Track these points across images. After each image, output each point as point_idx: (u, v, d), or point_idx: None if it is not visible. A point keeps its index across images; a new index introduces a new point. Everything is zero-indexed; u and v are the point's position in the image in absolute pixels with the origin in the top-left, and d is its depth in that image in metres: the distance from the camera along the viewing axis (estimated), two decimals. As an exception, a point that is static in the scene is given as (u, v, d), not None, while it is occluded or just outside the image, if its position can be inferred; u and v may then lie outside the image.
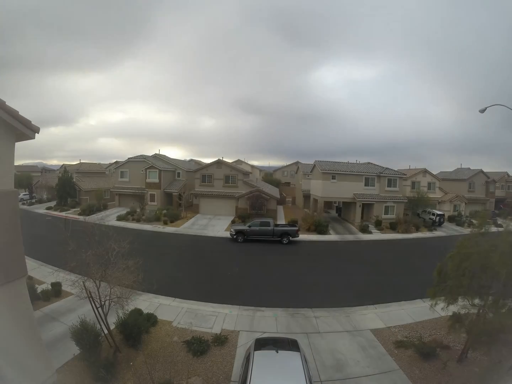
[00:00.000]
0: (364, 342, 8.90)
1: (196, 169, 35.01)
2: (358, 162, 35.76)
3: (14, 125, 5.14)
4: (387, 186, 30.13)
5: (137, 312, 9.33)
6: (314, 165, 33.06)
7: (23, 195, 41.58)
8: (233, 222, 27.20)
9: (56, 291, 11.29)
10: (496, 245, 6.76)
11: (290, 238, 21.42)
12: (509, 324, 6.41)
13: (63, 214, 30.52)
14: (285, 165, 63.33)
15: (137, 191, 33.91)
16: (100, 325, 7.72)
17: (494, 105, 12.15)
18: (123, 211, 30.68)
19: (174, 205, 32.96)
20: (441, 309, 8.14)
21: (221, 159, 34.11)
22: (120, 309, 7.81)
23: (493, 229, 7.84)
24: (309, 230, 25.13)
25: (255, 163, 68.81)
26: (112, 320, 8.25)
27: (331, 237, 24.32)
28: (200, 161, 52.27)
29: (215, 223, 27.48)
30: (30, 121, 5.36)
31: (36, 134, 5.63)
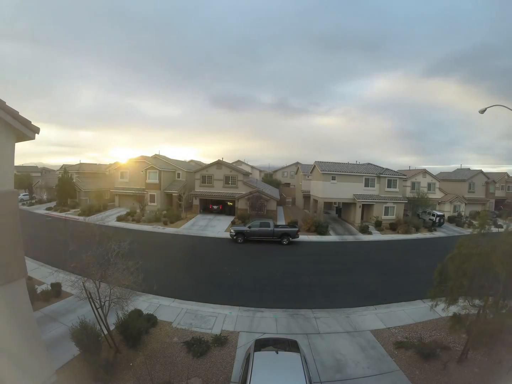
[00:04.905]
0: (364, 343, 8.89)
1: (196, 169, 35.03)
2: (358, 163, 35.79)
3: (14, 125, 5.14)
4: (387, 187, 30.15)
5: (137, 312, 9.34)
6: (314, 165, 33.07)
7: (23, 195, 41.59)
8: (233, 223, 27.18)
9: (56, 291, 11.28)
10: (496, 246, 6.76)
11: (290, 238, 21.40)
12: (509, 324, 6.41)
13: (63, 214, 30.52)
14: (285, 165, 63.35)
15: (137, 192, 33.91)
16: (100, 325, 7.71)
17: (494, 105, 12.17)
18: (123, 211, 30.69)
19: (174, 206, 32.97)
20: (442, 310, 8.15)
21: (221, 159, 34.16)
22: (120, 309, 7.81)
23: (493, 229, 7.85)
24: (309, 231, 25.13)
25: (255, 163, 68.73)
26: (112, 321, 8.24)
27: (331, 238, 24.31)
28: (200, 161, 52.33)
29: (215, 224, 27.47)
30: (30, 122, 5.37)
31: (36, 134, 5.64)
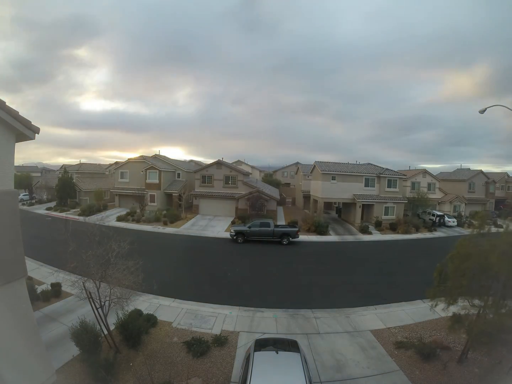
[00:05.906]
0: (364, 343, 8.89)
1: (196, 169, 35.03)
2: (358, 163, 35.79)
3: (14, 125, 5.15)
4: (387, 187, 30.14)
5: (137, 312, 9.34)
6: (314, 165, 33.07)
7: (23, 195, 41.57)
8: (233, 223, 27.18)
9: (56, 291, 11.28)
10: (496, 246, 6.76)
11: (290, 239, 21.40)
12: (509, 324, 6.41)
13: (63, 214, 30.52)
14: (285, 165, 63.36)
15: (137, 192, 33.89)
16: (100, 325, 7.71)
17: (494, 105, 12.18)
18: (123, 211, 30.71)
19: (174, 206, 32.96)
20: (441, 310, 8.14)
21: (221, 159, 34.16)
22: (120, 309, 7.81)
23: (493, 229, 7.86)
24: (309, 231, 25.13)
25: (255, 163, 68.77)
26: (112, 321, 8.24)
27: (331, 238, 24.31)
28: (200, 161, 52.31)
29: (215, 224, 27.48)
30: (30, 122, 5.38)
31: (36, 134, 5.64)
